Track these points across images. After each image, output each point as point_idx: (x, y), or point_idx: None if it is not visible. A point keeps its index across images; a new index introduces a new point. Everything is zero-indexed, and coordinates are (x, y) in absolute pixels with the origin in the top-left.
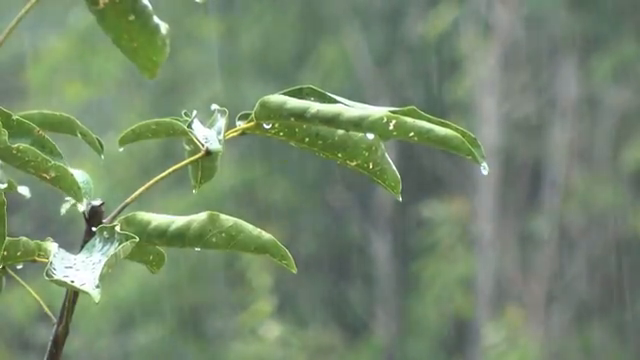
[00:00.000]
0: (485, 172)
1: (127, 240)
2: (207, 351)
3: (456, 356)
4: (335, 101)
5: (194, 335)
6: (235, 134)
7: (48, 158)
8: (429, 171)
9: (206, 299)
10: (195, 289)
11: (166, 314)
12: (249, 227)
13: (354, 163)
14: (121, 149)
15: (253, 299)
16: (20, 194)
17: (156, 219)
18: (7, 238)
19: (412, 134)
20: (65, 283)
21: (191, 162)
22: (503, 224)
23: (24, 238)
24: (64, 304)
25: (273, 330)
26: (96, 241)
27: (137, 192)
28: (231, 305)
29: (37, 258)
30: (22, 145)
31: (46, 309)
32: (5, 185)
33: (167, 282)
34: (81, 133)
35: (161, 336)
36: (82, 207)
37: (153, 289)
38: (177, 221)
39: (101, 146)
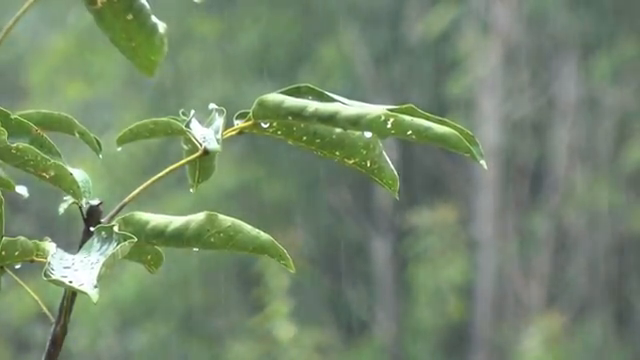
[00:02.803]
0: (485, 167)
1: (125, 240)
2: (214, 350)
3: (456, 356)
4: (333, 100)
5: (199, 335)
6: (233, 133)
7: (47, 157)
8: (429, 171)
9: (214, 299)
10: (203, 289)
11: (167, 314)
12: (247, 227)
13: (352, 161)
14: (119, 148)
15: (259, 300)
16: (18, 194)
17: (154, 219)
18: (5, 238)
19: (410, 132)
20: (63, 283)
21: (189, 161)
22: (503, 224)
23: (22, 238)
24: (62, 304)
25: (281, 330)
26: (94, 241)
27: (135, 192)
28: (236, 306)
29: (35, 258)
30: (21, 144)
31: (45, 309)
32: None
33: (165, 282)
34: (79, 132)
35: (163, 336)
36: (82, 204)
37: (155, 289)
38: (175, 221)
39: (99, 145)
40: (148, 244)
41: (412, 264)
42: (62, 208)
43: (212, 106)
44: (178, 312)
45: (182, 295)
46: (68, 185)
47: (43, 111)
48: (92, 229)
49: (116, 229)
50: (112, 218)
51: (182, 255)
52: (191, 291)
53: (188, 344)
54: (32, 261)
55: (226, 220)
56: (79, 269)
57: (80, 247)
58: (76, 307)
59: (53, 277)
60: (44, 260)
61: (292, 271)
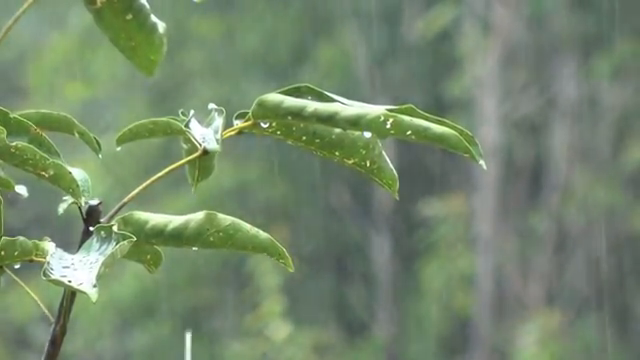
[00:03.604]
0: (485, 167)
1: (124, 240)
2: (211, 350)
3: (456, 355)
4: (332, 100)
5: (196, 334)
6: (232, 133)
7: (46, 156)
8: (429, 170)
9: (213, 299)
10: (200, 289)
11: (163, 314)
12: (246, 226)
13: (351, 161)
14: (119, 148)
15: (258, 299)
16: (18, 193)
17: (154, 218)
18: (4, 237)
19: (409, 132)
20: (62, 283)
21: (188, 161)
22: (503, 223)
23: (21, 238)
24: (62, 304)
25: (276, 330)
26: (93, 241)
27: (135, 192)
28: (235, 305)
29: (34, 258)
30: (20, 143)
31: (44, 309)
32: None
33: (161, 282)
34: (79, 132)
35: (161, 335)
36: (81, 203)
37: (151, 289)
38: (174, 220)
39: (99, 145)
40: (147, 244)
41: (411, 263)
42: (62, 208)
43: (211, 106)
44: (175, 312)
45: (179, 294)
46: (67, 184)
47: (42, 111)
48: (91, 229)
49: (115, 229)
50: (111, 218)
51: (179, 254)
52: (188, 290)
53: (184, 343)
54: (31, 261)
55: (225, 219)
56: (78, 269)
57: (79, 247)
58: (75, 307)
59: (52, 277)
60: (43, 260)
61: (291, 270)
